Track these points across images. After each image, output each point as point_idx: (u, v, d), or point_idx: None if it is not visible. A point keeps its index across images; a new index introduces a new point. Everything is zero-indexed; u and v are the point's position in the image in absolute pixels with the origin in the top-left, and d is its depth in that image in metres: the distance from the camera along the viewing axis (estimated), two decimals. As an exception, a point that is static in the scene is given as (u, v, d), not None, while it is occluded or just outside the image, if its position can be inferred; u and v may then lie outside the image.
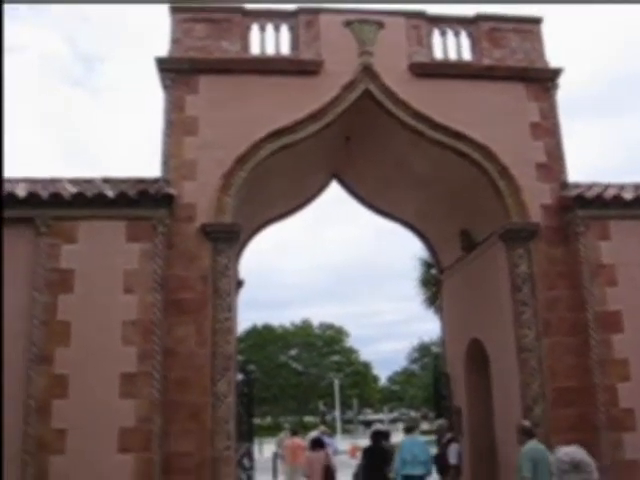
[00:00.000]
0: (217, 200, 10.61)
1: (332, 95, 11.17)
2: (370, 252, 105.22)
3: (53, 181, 10.63)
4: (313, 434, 16.67)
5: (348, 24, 11.57)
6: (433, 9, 12.09)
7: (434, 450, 13.25)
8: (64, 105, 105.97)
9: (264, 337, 64.87)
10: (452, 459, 12.16)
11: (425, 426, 50.07)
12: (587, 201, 10.95)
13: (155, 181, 10.69)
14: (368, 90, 11.31)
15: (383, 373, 78.05)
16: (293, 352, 68.26)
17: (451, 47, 12.06)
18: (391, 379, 77.49)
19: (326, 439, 15.68)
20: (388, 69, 11.36)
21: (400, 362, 72.27)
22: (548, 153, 11.59)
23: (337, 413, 54.95)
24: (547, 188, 11.39)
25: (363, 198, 14.76)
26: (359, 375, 68.86)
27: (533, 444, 8.38)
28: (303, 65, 11.39)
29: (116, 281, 9.89)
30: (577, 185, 11.53)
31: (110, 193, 10.15)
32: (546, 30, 12.25)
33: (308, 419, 62.41)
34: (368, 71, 11.33)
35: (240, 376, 12.17)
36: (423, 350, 64.26)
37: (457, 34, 12.14)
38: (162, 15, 18.07)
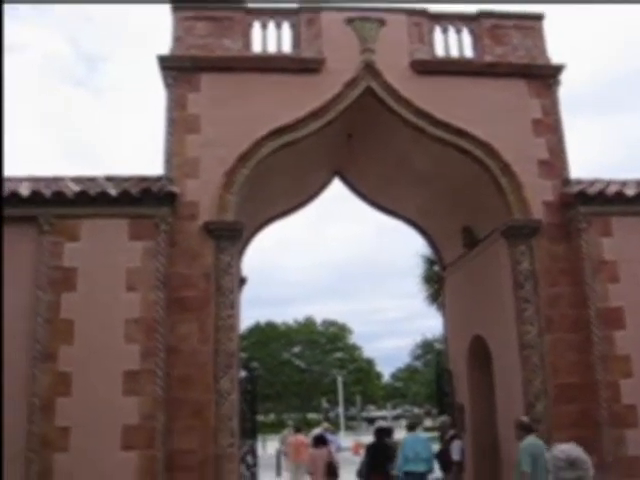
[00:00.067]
0: (219, 198, 10.63)
1: (334, 93, 11.18)
2: (372, 249, 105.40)
3: (56, 180, 10.66)
4: (316, 431, 16.70)
5: (350, 22, 11.57)
6: (435, 8, 12.09)
7: (437, 447, 13.29)
8: (66, 105, 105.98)
9: (267, 334, 64.87)
10: (455, 455, 12.20)
11: (428, 423, 50.20)
12: (589, 198, 10.95)
13: (158, 179, 10.72)
14: (370, 87, 11.31)
15: (386, 370, 78.19)
16: (296, 349, 68.28)
17: (453, 44, 12.05)
18: (394, 376, 77.48)
19: (329, 436, 15.75)
20: (390, 66, 11.36)
21: (403, 359, 72.51)
22: (550, 150, 11.58)
23: (340, 410, 54.97)
24: (549, 185, 11.38)
25: (365, 195, 14.77)
26: (362, 372, 68.86)
27: (532, 439, 8.43)
28: (305, 63, 11.39)
29: (119, 279, 9.92)
30: (579, 182, 11.53)
31: (113, 191, 10.17)
32: (547, 29, 12.27)
33: (311, 416, 62.39)
34: (370, 69, 11.33)
35: (243, 373, 12.19)
36: (426, 347, 64.18)
37: (459, 31, 12.13)
38: (164, 14, 18.07)
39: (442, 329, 15.77)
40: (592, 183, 11.52)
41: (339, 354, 69.27)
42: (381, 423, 15.87)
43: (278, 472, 21.86)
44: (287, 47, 11.73)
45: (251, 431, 12.56)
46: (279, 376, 61.88)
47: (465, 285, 13.93)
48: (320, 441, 12.69)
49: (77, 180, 10.65)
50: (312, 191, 14.22)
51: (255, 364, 15.67)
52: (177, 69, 11.20)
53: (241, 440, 11.10)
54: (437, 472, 13.19)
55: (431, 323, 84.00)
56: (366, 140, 12.64)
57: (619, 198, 11.01)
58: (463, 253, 13.61)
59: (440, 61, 11.79)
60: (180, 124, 10.95)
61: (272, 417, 63.67)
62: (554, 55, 12.08)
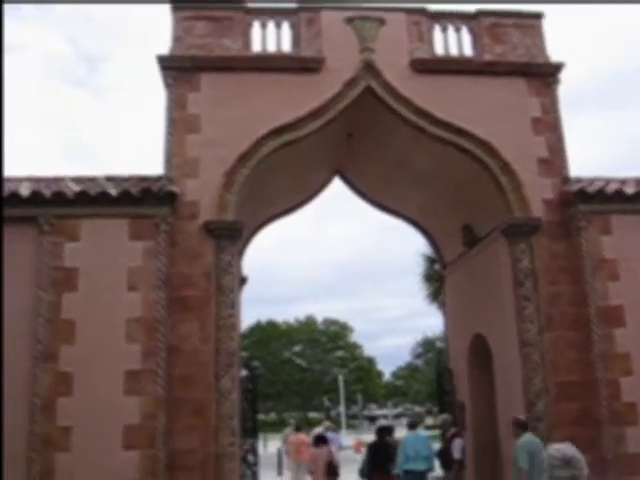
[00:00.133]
0: (220, 198, 10.64)
1: (334, 92, 11.19)
2: (373, 248, 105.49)
3: (56, 180, 10.67)
4: (318, 430, 16.73)
5: (349, 21, 11.58)
6: (434, 7, 12.09)
7: (438, 445, 13.32)
8: (66, 105, 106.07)
9: (268, 333, 64.90)
10: (456, 454, 12.24)
11: (429, 421, 50.23)
12: (589, 196, 10.96)
13: (158, 179, 10.73)
14: (369, 87, 11.32)
15: (387, 368, 78.32)
16: (297, 348, 68.31)
17: (452, 43, 12.06)
18: (395, 374, 77.55)
19: (331, 435, 15.78)
20: (389, 65, 11.37)
21: (404, 357, 72.47)
22: (550, 148, 11.59)
23: (341, 408, 55.01)
24: (549, 183, 11.39)
25: (366, 194, 14.79)
26: (363, 370, 68.93)
27: (529, 437, 8.47)
28: (304, 62, 11.40)
29: (120, 279, 9.93)
30: (579, 180, 11.54)
31: (113, 191, 10.19)
32: (546, 28, 12.26)
33: (312, 415, 62.46)
34: (369, 68, 11.34)
35: (244, 372, 12.22)
36: (427, 345, 64.21)
37: (458, 30, 12.13)
38: (164, 14, 18.09)
39: (442, 327, 15.80)
40: (592, 181, 11.53)
41: (340, 353, 69.31)
42: (382, 422, 15.91)
43: (279, 471, 21.89)
44: (287, 46, 11.73)
45: (252, 430, 12.59)
46: (280, 375, 61.92)
47: (465, 283, 13.95)
48: (321, 440, 12.71)
49: (77, 180, 10.66)
50: (312, 190, 14.24)
51: (256, 363, 15.68)
52: (177, 69, 11.21)
53: (242, 439, 11.12)
54: (438, 470, 13.23)
55: (432, 321, 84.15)
56: (366, 139, 12.65)
57: (619, 196, 11.02)
58: (463, 251, 13.62)
59: (440, 60, 11.80)
60: (180, 124, 10.96)
61: (273, 416, 63.76)
62: (553, 54, 12.11)
